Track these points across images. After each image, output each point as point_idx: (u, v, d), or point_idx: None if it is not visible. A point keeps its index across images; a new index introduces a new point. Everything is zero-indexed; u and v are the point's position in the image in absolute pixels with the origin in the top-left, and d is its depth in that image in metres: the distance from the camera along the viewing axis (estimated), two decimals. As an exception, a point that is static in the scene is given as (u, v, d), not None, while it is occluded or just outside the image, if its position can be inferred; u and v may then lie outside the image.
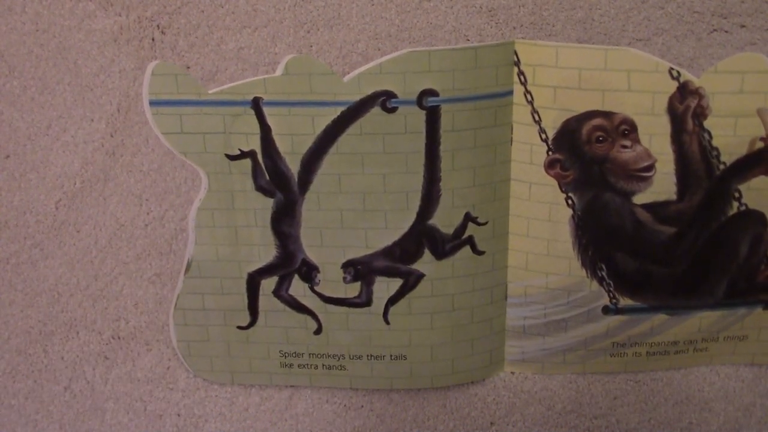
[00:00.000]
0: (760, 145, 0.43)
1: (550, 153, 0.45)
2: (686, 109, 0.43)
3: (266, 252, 0.46)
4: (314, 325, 0.48)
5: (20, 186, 0.47)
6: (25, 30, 0.45)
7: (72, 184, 0.46)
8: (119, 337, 0.49)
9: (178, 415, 0.49)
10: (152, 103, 0.44)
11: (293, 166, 0.44)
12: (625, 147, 0.44)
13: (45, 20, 0.45)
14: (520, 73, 0.43)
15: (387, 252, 0.46)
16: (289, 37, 0.44)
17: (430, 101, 0.43)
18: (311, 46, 0.44)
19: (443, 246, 0.46)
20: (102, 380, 0.49)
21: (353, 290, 0.47)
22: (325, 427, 0.50)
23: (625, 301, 0.47)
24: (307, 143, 0.44)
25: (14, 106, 0.46)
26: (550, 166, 0.45)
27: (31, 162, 0.46)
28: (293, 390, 0.50)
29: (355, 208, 0.45)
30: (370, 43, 0.44)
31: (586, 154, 0.44)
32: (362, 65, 0.43)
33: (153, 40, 0.45)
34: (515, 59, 0.43)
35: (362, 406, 0.50)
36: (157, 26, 0.44)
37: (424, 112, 0.43)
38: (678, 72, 0.43)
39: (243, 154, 0.44)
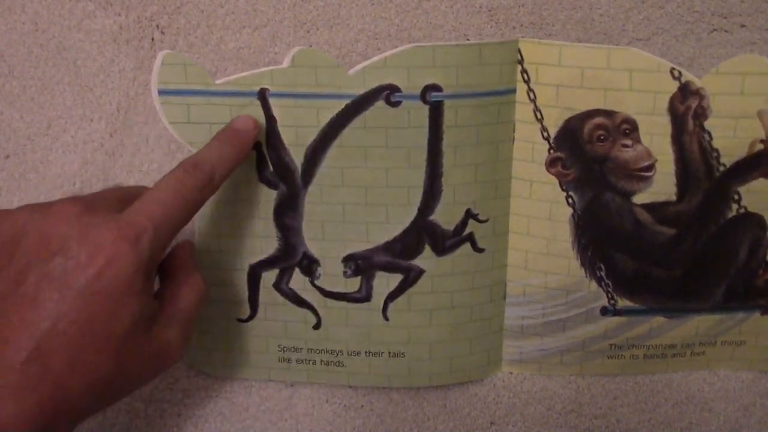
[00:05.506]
0: (759, 147, 0.43)
1: (552, 151, 0.45)
2: (687, 110, 0.43)
3: (268, 244, 0.46)
4: (313, 320, 0.47)
5: (20, 186, 0.47)
6: (24, 30, 0.45)
7: (72, 184, 0.46)
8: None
9: (179, 416, 0.49)
10: (161, 93, 0.44)
11: (297, 158, 0.44)
12: (626, 146, 0.44)
13: (44, 20, 0.45)
14: (524, 71, 0.44)
15: (387, 247, 0.46)
16: (288, 37, 0.44)
17: (434, 96, 0.43)
18: (311, 46, 0.44)
19: (443, 242, 0.46)
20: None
21: (353, 285, 0.47)
22: (325, 427, 0.50)
23: (623, 303, 0.47)
24: (311, 135, 0.44)
25: (14, 106, 0.46)
26: (551, 164, 0.45)
27: (31, 162, 0.46)
28: (293, 390, 0.50)
29: (357, 202, 0.45)
30: (370, 42, 0.44)
31: (588, 152, 0.44)
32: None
33: (153, 40, 0.45)
34: (519, 57, 0.43)
35: (362, 406, 0.50)
36: (157, 26, 0.44)
37: (427, 107, 0.43)
38: (679, 72, 0.43)
39: None
